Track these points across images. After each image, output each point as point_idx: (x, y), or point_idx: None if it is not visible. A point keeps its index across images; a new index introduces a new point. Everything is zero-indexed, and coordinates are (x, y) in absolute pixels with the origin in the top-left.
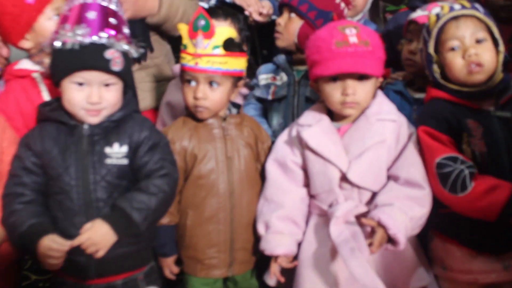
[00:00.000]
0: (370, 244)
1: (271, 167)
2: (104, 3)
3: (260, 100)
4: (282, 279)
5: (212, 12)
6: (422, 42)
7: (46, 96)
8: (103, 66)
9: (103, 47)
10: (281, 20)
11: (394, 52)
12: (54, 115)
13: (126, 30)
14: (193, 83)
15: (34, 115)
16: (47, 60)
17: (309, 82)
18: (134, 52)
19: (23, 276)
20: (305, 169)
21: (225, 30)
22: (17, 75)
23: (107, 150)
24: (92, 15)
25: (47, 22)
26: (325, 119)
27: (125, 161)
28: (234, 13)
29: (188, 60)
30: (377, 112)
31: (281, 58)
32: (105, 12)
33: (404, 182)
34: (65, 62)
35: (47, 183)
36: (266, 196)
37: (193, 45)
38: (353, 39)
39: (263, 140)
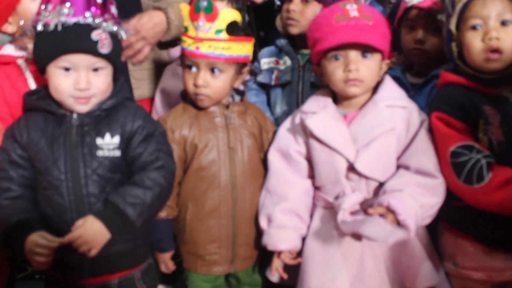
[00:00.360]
0: None
1: (274, 157)
2: None
3: (262, 85)
4: (285, 276)
5: None
6: (445, 16)
7: (32, 84)
8: (90, 48)
9: (89, 27)
10: (295, 7)
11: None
12: (41, 104)
13: (113, 10)
14: (193, 69)
15: (20, 105)
16: (30, 45)
17: (313, 67)
18: (123, 34)
19: (19, 267)
20: (309, 159)
21: (229, 12)
22: (0, 61)
23: (98, 141)
24: None
25: (31, 3)
26: (330, 105)
27: (117, 153)
28: None
29: (188, 44)
30: (386, 98)
31: (283, 42)
32: None
33: (415, 171)
34: (49, 46)
35: (35, 177)
36: (268, 188)
37: (194, 27)
38: (353, 13)
39: (267, 130)
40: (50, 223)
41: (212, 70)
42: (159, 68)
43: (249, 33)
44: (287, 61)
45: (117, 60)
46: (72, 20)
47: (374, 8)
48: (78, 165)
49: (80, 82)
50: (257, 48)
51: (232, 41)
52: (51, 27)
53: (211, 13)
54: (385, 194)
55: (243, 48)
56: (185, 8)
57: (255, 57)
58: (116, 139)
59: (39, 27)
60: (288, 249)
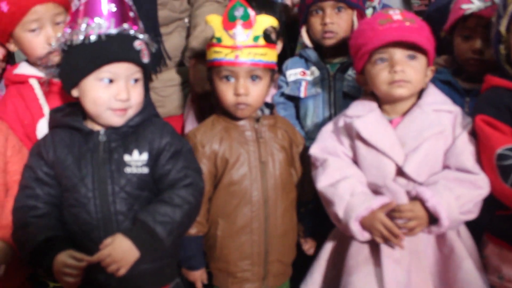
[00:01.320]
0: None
1: (322, 154)
2: None
3: (289, 98)
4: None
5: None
6: (495, 17)
7: (44, 105)
8: (134, 57)
9: (132, 37)
10: (331, 18)
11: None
12: (67, 121)
13: (141, 25)
14: (231, 79)
15: (34, 125)
16: (53, 63)
17: (356, 76)
18: (153, 47)
19: (40, 283)
20: (355, 162)
21: (265, 18)
22: (14, 80)
23: (126, 158)
24: (111, 7)
25: (26, 33)
26: (376, 110)
27: (145, 170)
28: (270, 3)
29: (225, 54)
30: (432, 102)
31: (310, 52)
32: (123, 5)
33: (454, 170)
34: (90, 57)
35: (61, 195)
36: (329, 183)
37: (230, 36)
38: (397, 17)
39: (298, 143)
40: (77, 241)
41: (251, 77)
42: (184, 84)
43: (274, 40)
44: (315, 72)
45: (149, 73)
46: (114, 30)
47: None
48: (106, 182)
49: (121, 93)
50: (288, 58)
51: (268, 47)
52: (93, 37)
53: (248, 20)
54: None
55: (274, 54)
56: (215, 19)
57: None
58: (145, 156)
59: (79, 39)
60: (383, 203)
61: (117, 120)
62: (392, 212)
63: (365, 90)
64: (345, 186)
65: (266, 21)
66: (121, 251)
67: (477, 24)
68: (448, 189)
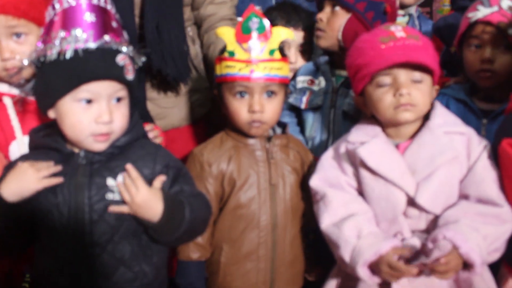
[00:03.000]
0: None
1: (323, 187)
2: (101, 3)
3: (292, 107)
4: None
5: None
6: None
7: (16, 126)
8: (117, 74)
9: (114, 51)
10: (323, 15)
11: (445, 55)
12: (48, 141)
13: (125, 36)
14: (245, 95)
15: (6, 147)
16: (26, 81)
17: (353, 98)
18: (139, 60)
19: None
20: (360, 193)
21: (282, 30)
22: None
23: (110, 182)
24: (90, 17)
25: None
26: (380, 134)
27: None
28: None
29: (239, 69)
30: (442, 124)
31: (323, 59)
32: (105, 14)
33: (475, 201)
34: (66, 75)
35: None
36: (332, 222)
37: (244, 50)
38: (400, 34)
39: (309, 165)
40: (51, 277)
41: (266, 93)
42: (191, 92)
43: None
44: (321, 82)
45: (135, 89)
46: (92, 44)
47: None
48: (83, 210)
49: (102, 115)
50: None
51: (283, 61)
52: (69, 54)
53: (263, 32)
54: (437, 228)
55: (288, 69)
56: (228, 32)
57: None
58: None
59: (52, 56)
60: (394, 247)
61: (99, 147)
62: (430, 269)
63: (364, 113)
64: (350, 226)
65: (283, 34)
66: (151, 197)
67: (483, 31)
68: (474, 229)
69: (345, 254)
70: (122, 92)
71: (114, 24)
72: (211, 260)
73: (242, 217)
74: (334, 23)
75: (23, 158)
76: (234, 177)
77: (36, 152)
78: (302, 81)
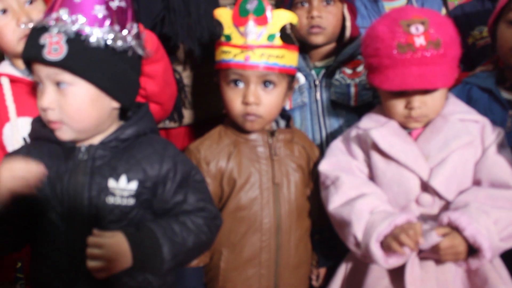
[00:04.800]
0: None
1: (334, 171)
2: None
3: None
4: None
5: None
6: None
7: (11, 107)
8: (34, 53)
9: (39, 30)
10: (319, 12)
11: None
12: (46, 133)
13: (99, 11)
14: (240, 85)
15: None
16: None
17: (368, 78)
18: (95, 38)
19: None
20: (371, 179)
21: (284, 13)
22: None
23: (111, 184)
24: None
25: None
26: (392, 121)
27: (131, 201)
28: None
29: (234, 55)
30: (456, 111)
31: None
32: None
33: (487, 184)
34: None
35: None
36: (343, 202)
37: (240, 34)
38: (419, 41)
39: (315, 161)
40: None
41: (264, 83)
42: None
43: (295, 41)
44: (300, 79)
45: (90, 73)
46: (35, 23)
47: (441, 18)
48: (82, 213)
49: (42, 99)
50: None
51: (286, 49)
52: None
53: (262, 14)
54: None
55: (294, 58)
56: (224, 14)
57: None
58: (133, 185)
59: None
60: (408, 219)
61: (58, 135)
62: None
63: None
64: (363, 203)
65: (285, 17)
66: (115, 250)
67: None
68: (484, 212)
69: (358, 229)
70: (62, 76)
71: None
72: (210, 265)
73: (243, 220)
74: (331, 17)
75: (24, 149)
76: (234, 176)
77: (40, 143)
78: None
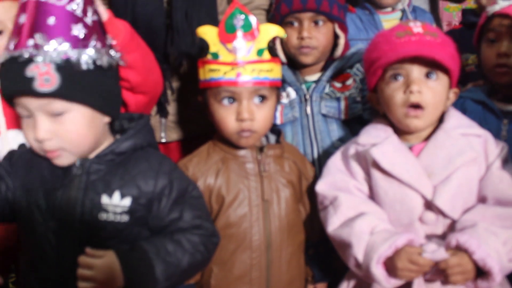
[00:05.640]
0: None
1: (331, 191)
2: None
3: None
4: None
5: None
6: None
7: (0, 119)
8: (22, 87)
9: (25, 61)
10: (309, 33)
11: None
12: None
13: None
14: (232, 102)
15: None
16: None
17: (367, 95)
18: (85, 61)
19: None
20: (371, 199)
21: (270, 27)
22: None
23: (104, 200)
24: (21, 18)
25: None
26: (392, 136)
27: (125, 218)
28: None
29: (224, 72)
30: (457, 126)
31: (284, 70)
32: (35, 11)
33: (493, 202)
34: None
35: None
36: (342, 223)
37: (228, 51)
38: (417, 29)
39: (308, 176)
40: None
41: (256, 98)
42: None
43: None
44: (291, 93)
45: (91, 98)
46: (5, 54)
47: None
48: (73, 228)
49: (37, 132)
50: None
51: (273, 62)
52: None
53: (250, 30)
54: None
55: (279, 70)
56: (209, 31)
57: None
58: (127, 201)
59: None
60: (410, 240)
61: (56, 162)
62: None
63: (374, 115)
64: (362, 223)
65: (272, 31)
66: (106, 271)
67: (500, 24)
68: (493, 233)
69: (358, 251)
70: (57, 105)
71: (50, 21)
72: (201, 282)
73: (232, 237)
74: (321, 37)
75: (26, 154)
76: (223, 193)
77: (32, 154)
78: None
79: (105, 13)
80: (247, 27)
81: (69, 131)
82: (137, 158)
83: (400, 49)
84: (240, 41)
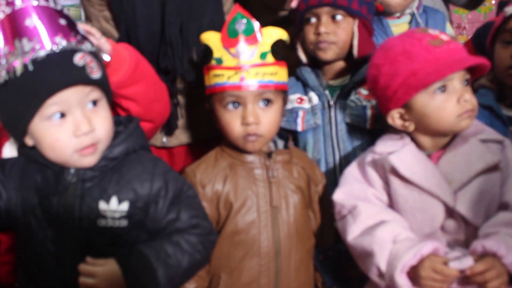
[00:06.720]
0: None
1: (350, 200)
2: (42, 2)
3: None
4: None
5: None
6: None
7: None
8: (78, 76)
9: (69, 52)
10: (325, 27)
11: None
12: (35, 155)
13: (81, 31)
14: (237, 106)
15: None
16: None
17: (389, 116)
18: (105, 56)
19: None
20: (390, 207)
21: (273, 30)
22: None
23: (102, 206)
24: (32, 22)
25: None
26: (410, 144)
27: (123, 223)
28: None
29: (228, 77)
30: (476, 132)
31: (306, 73)
32: (49, 14)
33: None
34: (25, 95)
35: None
36: (362, 231)
37: (232, 56)
38: (444, 37)
39: (317, 182)
40: None
41: (261, 102)
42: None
43: (284, 57)
44: (313, 98)
45: (109, 88)
46: (42, 52)
47: None
48: (72, 236)
49: (80, 126)
50: None
51: (278, 65)
52: (19, 70)
53: (252, 34)
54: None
55: (285, 73)
56: (212, 37)
57: None
58: (124, 206)
59: (1, 78)
60: (435, 249)
61: (88, 161)
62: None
63: (395, 127)
64: (384, 232)
65: (274, 34)
66: (108, 278)
67: None
68: None
69: (381, 260)
70: (95, 93)
71: (62, 21)
72: None
73: (240, 244)
74: (340, 32)
75: (20, 162)
76: (231, 199)
77: (31, 165)
78: (290, 101)
79: (107, 45)
80: (249, 31)
81: (104, 118)
82: (130, 162)
83: (449, 63)
84: (242, 45)
